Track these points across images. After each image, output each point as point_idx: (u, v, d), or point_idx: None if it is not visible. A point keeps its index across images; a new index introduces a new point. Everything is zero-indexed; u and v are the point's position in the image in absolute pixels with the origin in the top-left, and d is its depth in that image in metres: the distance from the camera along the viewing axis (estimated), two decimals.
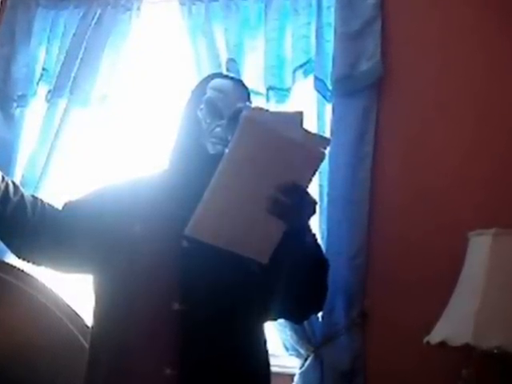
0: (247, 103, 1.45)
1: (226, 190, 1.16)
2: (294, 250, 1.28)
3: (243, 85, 1.56)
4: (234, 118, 1.40)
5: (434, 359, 1.90)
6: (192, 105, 1.49)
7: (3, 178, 1.41)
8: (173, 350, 1.32)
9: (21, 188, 1.47)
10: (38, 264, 1.60)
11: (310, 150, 1.14)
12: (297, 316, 1.55)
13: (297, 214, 1.22)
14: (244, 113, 1.15)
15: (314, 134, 1.25)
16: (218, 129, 1.42)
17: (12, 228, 1.44)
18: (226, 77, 1.56)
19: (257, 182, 1.15)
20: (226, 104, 1.43)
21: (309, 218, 1.29)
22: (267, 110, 1.19)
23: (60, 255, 1.49)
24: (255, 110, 1.17)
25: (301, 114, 1.15)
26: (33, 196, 1.51)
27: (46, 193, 2.34)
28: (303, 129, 1.15)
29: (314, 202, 1.25)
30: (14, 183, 1.45)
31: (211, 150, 1.41)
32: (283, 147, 1.12)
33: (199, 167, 1.41)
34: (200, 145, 1.43)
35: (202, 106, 1.45)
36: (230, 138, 1.36)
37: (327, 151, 1.16)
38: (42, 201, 1.51)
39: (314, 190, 2.09)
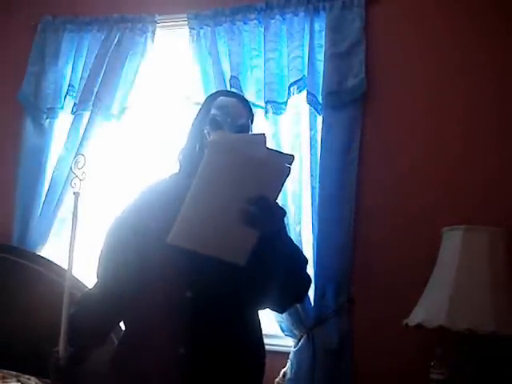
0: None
1: (200, 204, 1.17)
2: (271, 251, 1.28)
3: (245, 101, 1.54)
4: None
5: (412, 339, 1.94)
6: (199, 119, 1.52)
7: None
8: (186, 332, 1.32)
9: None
10: None
11: (274, 166, 1.16)
12: (279, 305, 1.53)
13: (266, 223, 1.21)
14: (211, 137, 1.17)
15: (278, 152, 1.25)
16: None
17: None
18: (230, 94, 1.54)
19: (228, 196, 1.15)
20: (227, 121, 1.43)
21: (278, 226, 1.28)
22: (231, 134, 1.21)
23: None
24: (220, 133, 1.19)
25: (263, 135, 1.17)
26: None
27: (71, 191, 2.33)
28: (267, 148, 1.17)
29: (283, 212, 1.24)
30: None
31: None
32: (248, 165, 1.14)
33: None
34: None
35: (207, 125, 1.46)
36: None
37: (292, 166, 1.18)
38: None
39: (307, 191, 2.14)
